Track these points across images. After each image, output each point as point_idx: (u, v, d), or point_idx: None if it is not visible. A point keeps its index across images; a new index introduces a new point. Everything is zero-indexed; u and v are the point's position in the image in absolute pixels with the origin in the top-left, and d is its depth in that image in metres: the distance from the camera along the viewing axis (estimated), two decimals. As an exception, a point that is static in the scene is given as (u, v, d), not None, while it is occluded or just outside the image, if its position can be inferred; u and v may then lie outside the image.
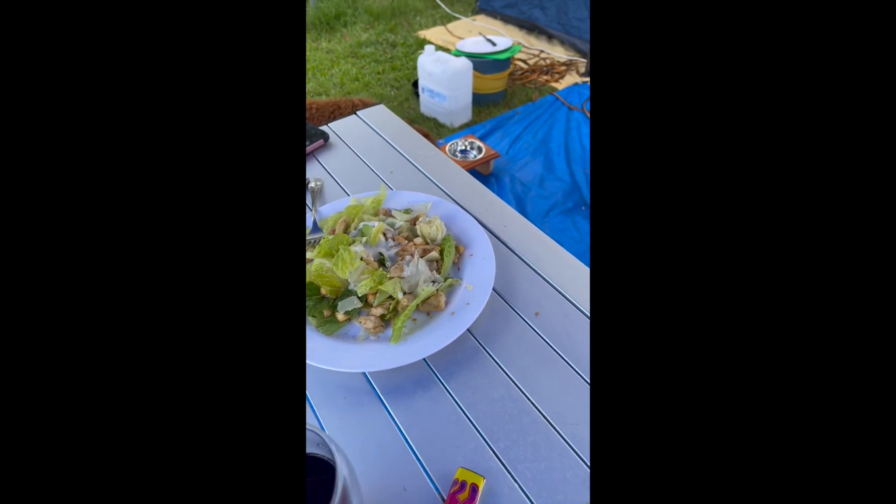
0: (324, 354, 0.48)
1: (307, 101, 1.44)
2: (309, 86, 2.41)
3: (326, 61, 2.60)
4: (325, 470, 0.32)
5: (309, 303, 0.53)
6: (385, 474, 0.41)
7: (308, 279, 0.53)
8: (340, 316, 0.51)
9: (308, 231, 0.60)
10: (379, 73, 2.51)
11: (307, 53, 2.66)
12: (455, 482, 0.39)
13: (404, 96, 2.36)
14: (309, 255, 0.57)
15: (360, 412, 0.45)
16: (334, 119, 1.39)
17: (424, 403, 0.45)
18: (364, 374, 0.48)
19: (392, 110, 0.95)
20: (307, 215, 0.63)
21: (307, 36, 2.83)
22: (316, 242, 0.59)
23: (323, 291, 0.53)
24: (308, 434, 0.32)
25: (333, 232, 0.59)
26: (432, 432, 0.43)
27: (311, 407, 0.46)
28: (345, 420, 0.45)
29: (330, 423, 0.44)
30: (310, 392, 0.47)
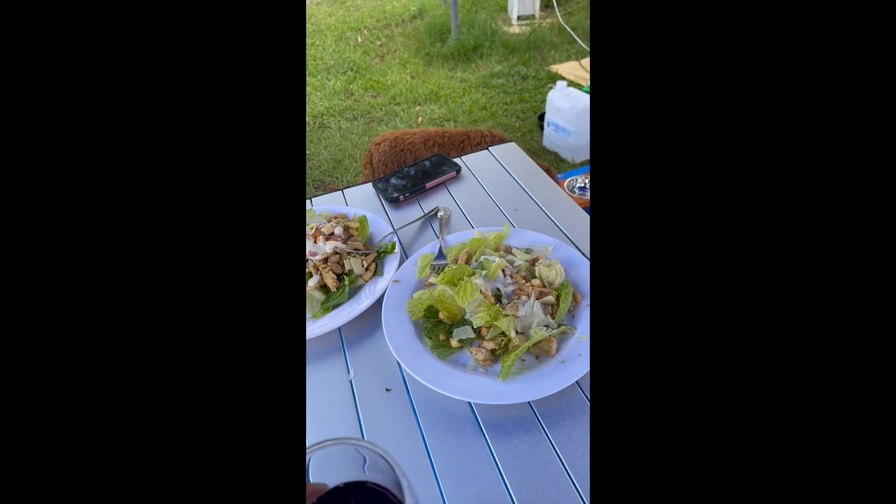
0: (434, 377, 0.51)
1: (440, 130, 1.54)
2: (440, 111, 2.58)
3: (459, 90, 2.77)
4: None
5: (427, 325, 0.57)
6: (478, 506, 0.42)
7: (430, 302, 0.58)
8: (454, 342, 0.55)
9: (433, 256, 0.65)
10: (507, 104, 2.60)
11: (442, 82, 2.85)
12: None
13: (528, 128, 2.40)
14: (433, 279, 0.61)
15: (461, 439, 0.47)
16: (464, 149, 1.47)
17: (524, 446, 0.46)
18: (469, 403, 0.50)
19: (514, 141, 0.99)
20: (434, 242, 0.69)
21: (444, 66, 3.04)
22: (440, 269, 0.63)
23: (441, 316, 0.57)
24: (376, 457, 0.26)
25: (457, 261, 0.63)
26: (530, 478, 0.44)
27: (418, 423, 0.49)
28: (447, 443, 0.47)
29: (433, 444, 0.47)
30: (418, 408, 0.51)
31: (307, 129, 2.48)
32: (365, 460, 0.27)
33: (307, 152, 2.29)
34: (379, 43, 3.44)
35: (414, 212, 0.79)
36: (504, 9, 3.82)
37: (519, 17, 3.63)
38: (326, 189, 1.76)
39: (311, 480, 0.27)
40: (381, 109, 2.62)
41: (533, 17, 3.66)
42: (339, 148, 2.30)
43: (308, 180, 2.12)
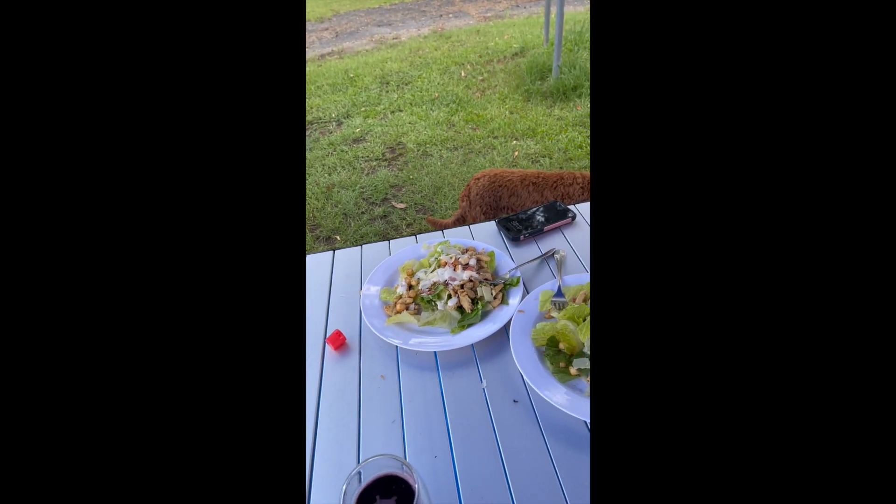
0: (555, 395, 0.61)
1: (535, 171, 1.65)
2: (536, 147, 2.70)
3: (556, 127, 2.87)
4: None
5: (549, 352, 0.68)
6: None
7: (552, 333, 0.68)
8: (573, 370, 0.65)
9: (553, 293, 0.76)
10: (602, 144, 2.65)
11: (540, 118, 2.98)
12: None
13: (623, 169, 2.43)
14: (554, 314, 0.72)
15: (580, 454, 0.57)
16: (557, 188, 1.57)
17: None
18: (585, 422, 0.60)
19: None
20: (553, 280, 0.79)
21: (543, 103, 3.17)
22: (561, 305, 0.74)
23: (561, 346, 0.68)
24: (403, 465, 0.46)
25: (575, 300, 0.73)
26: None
27: (542, 432, 0.59)
28: (567, 454, 0.57)
29: (554, 450, 0.57)
30: (541, 420, 0.61)
31: (412, 155, 2.72)
32: (402, 466, 0.47)
33: (411, 177, 2.52)
34: (481, 78, 3.67)
35: (532, 251, 0.91)
36: (605, 49, 3.88)
37: (620, 58, 3.66)
38: (428, 220, 1.94)
39: (370, 475, 0.47)
40: (479, 142, 2.80)
41: (635, 58, 3.68)
42: (440, 176, 2.50)
43: (410, 203, 2.33)
